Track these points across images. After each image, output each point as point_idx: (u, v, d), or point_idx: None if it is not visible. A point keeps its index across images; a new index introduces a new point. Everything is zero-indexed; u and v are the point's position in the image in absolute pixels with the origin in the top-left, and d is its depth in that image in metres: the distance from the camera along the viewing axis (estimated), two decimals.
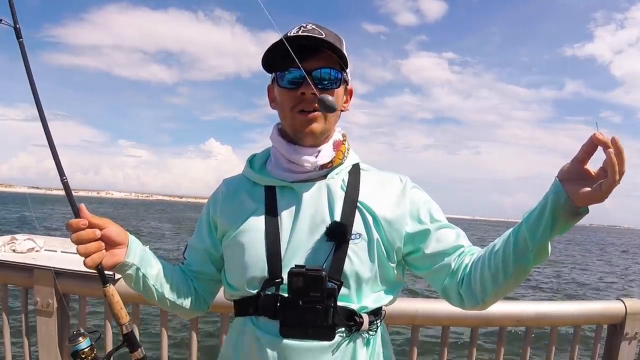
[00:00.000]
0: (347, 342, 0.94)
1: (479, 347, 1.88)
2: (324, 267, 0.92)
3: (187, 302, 1.07)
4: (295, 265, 0.92)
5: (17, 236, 2.06)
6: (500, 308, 1.84)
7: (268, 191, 1.01)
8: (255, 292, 0.96)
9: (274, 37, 0.94)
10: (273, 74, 1.02)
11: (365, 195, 1.00)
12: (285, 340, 0.91)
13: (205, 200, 1.14)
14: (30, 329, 1.91)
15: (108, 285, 0.96)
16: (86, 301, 1.90)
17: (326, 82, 0.95)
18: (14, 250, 1.98)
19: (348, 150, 1.05)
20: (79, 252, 0.89)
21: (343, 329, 0.94)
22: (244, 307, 0.98)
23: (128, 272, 0.97)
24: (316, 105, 0.94)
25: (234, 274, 1.01)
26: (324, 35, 0.93)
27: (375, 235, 0.97)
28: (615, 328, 1.94)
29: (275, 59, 0.96)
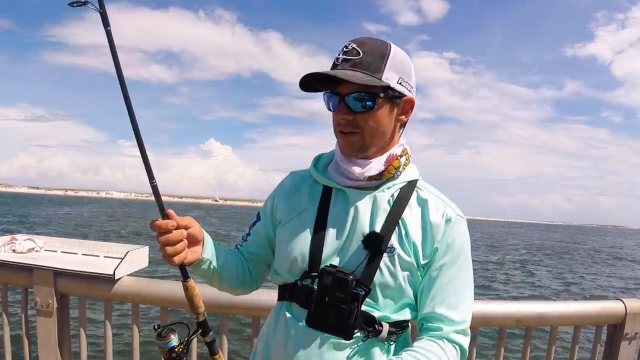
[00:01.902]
0: (364, 345, 0.99)
1: (479, 347, 1.88)
2: (354, 272, 0.97)
3: (239, 283, 1.16)
4: (330, 264, 1.00)
5: (17, 236, 2.06)
6: (500, 308, 1.85)
7: (325, 191, 1.08)
8: (294, 280, 1.04)
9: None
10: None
11: (409, 214, 1.03)
12: (310, 329, 0.99)
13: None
14: (30, 329, 1.91)
15: (189, 279, 1.03)
16: (86, 301, 1.90)
17: (359, 105, 0.98)
18: (14, 251, 1.98)
19: (405, 165, 1.07)
20: (165, 253, 0.93)
21: (361, 332, 0.98)
22: (283, 292, 1.07)
23: (203, 266, 1.04)
24: (351, 128, 0.99)
25: (281, 261, 1.09)
26: (361, 55, 0.95)
27: (409, 252, 1.00)
28: (615, 328, 1.94)
29: (315, 83, 1.01)
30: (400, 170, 1.06)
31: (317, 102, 1.04)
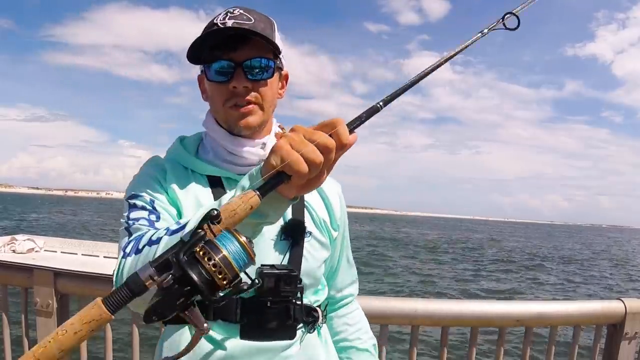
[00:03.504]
0: (306, 337, 0.95)
1: (479, 347, 1.88)
2: (284, 265, 0.90)
3: None
4: (262, 265, 0.87)
5: (17, 236, 2.07)
6: (500, 308, 1.84)
7: (212, 182, 0.93)
8: None
9: None
10: (201, 65, 0.94)
11: (308, 195, 0.99)
12: (247, 342, 0.87)
13: None
14: (30, 329, 1.91)
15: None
16: (86, 302, 1.90)
17: (258, 72, 0.89)
18: (13, 251, 1.99)
19: None
20: (319, 162, 0.59)
21: (302, 325, 0.94)
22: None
23: (270, 216, 0.70)
24: (250, 98, 0.89)
25: None
26: (252, 21, 0.87)
27: (323, 232, 1.00)
28: (615, 328, 1.94)
29: (202, 50, 0.88)
30: None
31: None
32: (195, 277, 0.52)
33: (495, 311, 1.81)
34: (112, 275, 0.86)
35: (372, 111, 0.66)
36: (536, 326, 1.91)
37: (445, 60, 0.73)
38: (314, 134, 0.60)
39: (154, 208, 0.87)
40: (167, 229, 0.74)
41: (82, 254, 2.06)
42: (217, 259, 0.53)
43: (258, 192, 0.60)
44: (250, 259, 0.56)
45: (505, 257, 23.18)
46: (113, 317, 0.53)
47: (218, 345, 0.86)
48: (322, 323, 1.00)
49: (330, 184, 1.06)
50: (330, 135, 0.60)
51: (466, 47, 0.76)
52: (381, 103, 0.67)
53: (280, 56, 0.94)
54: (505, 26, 0.82)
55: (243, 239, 0.55)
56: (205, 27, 0.89)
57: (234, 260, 0.54)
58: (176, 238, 0.66)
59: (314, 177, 0.61)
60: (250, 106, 0.90)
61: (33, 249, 2.02)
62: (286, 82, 1.01)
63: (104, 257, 2.02)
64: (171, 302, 0.54)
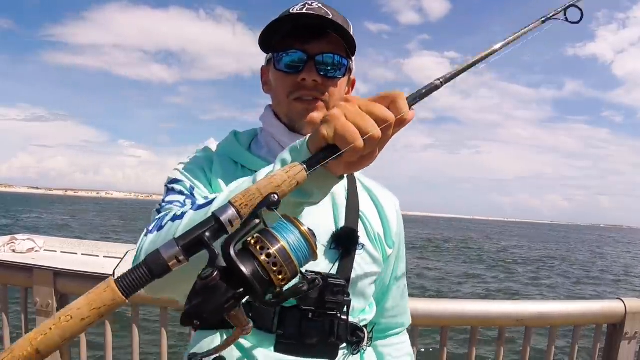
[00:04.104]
0: (349, 359, 0.87)
1: (479, 347, 1.88)
2: (332, 274, 0.83)
3: None
4: (306, 270, 0.82)
5: (17, 236, 2.07)
6: (500, 308, 1.84)
7: None
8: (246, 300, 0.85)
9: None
10: (270, 54, 0.90)
11: (364, 205, 0.94)
12: (282, 356, 0.79)
13: None
14: (30, 329, 1.91)
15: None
16: None
17: (330, 69, 0.84)
18: (13, 251, 1.99)
19: None
20: (378, 138, 0.54)
21: (345, 344, 0.86)
22: None
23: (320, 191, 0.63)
24: (317, 94, 0.85)
25: None
26: (331, 16, 0.82)
27: (376, 247, 0.92)
28: (615, 327, 1.94)
29: (275, 37, 0.86)
30: None
31: None
32: (247, 273, 0.44)
33: (495, 311, 1.82)
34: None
35: (432, 88, 0.61)
36: (536, 326, 1.91)
37: (505, 45, 0.69)
38: (372, 105, 0.55)
39: (192, 194, 0.81)
40: (194, 203, 0.68)
41: (82, 254, 2.07)
42: (273, 250, 0.45)
43: (304, 166, 0.53)
44: (313, 254, 0.48)
45: (505, 257, 23.20)
46: (127, 301, 0.47)
47: (248, 355, 0.79)
48: (367, 346, 0.91)
49: (387, 197, 0.99)
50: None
51: (524, 33, 0.71)
52: (441, 80, 0.62)
53: (353, 58, 0.90)
54: (567, 19, 0.75)
55: (305, 228, 0.47)
56: (280, 16, 0.85)
57: (294, 254, 0.46)
58: (202, 213, 0.62)
59: (367, 154, 0.55)
60: (317, 102, 0.85)
61: (33, 248, 2.02)
62: (352, 88, 0.96)
63: (104, 257, 2.03)
64: (218, 305, 0.45)
